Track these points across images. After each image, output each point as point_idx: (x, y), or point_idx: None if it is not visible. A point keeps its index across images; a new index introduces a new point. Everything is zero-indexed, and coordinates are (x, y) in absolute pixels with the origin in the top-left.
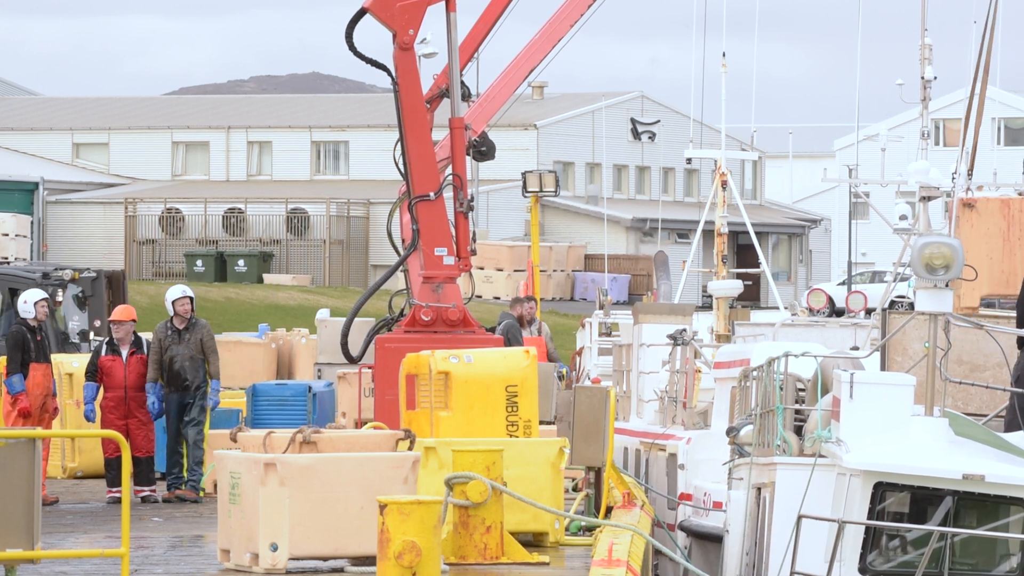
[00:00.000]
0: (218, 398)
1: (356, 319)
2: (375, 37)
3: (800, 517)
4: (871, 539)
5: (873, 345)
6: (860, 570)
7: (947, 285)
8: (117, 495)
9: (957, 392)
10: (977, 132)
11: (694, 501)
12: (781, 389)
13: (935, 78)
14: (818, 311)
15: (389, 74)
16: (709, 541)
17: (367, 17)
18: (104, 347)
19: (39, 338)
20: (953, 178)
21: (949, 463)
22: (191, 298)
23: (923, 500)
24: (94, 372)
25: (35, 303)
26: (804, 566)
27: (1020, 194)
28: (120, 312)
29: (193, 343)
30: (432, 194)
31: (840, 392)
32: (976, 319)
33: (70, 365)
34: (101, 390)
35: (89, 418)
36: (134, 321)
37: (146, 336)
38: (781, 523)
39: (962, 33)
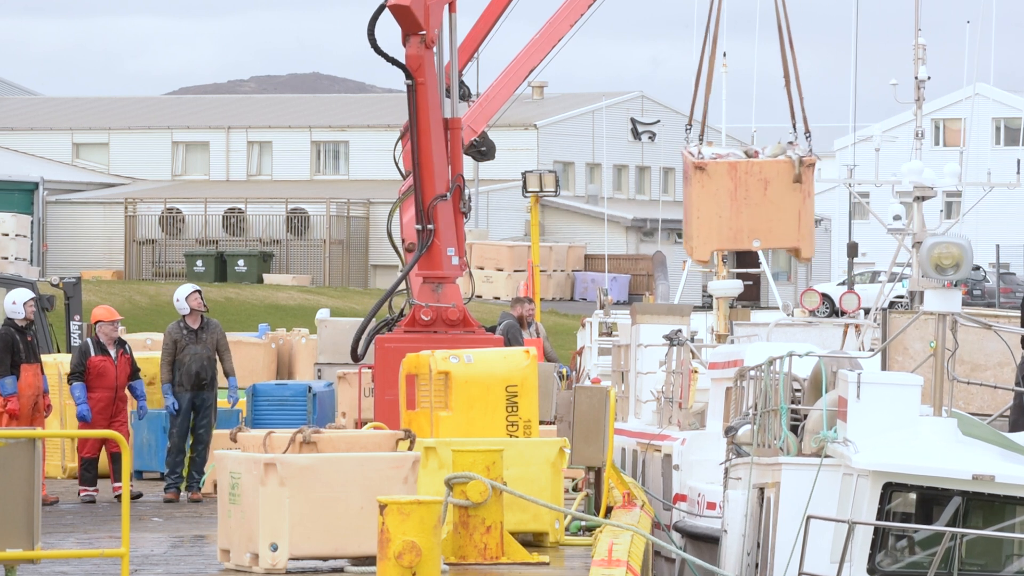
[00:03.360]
0: (238, 394)
1: (355, 319)
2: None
3: (809, 518)
4: (879, 540)
5: (864, 343)
6: (869, 571)
7: (956, 284)
8: (92, 494)
9: (958, 392)
10: (801, 96)
11: (688, 502)
12: (788, 388)
13: (928, 78)
14: (812, 311)
15: (407, 73)
16: (703, 542)
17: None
18: (92, 347)
19: (29, 339)
20: (791, 141)
21: (959, 463)
22: (199, 290)
23: (930, 500)
24: (82, 372)
25: (24, 303)
26: (810, 566)
27: (747, 155)
28: (105, 312)
29: (210, 343)
30: (448, 194)
31: (847, 392)
32: (984, 319)
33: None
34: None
35: (86, 418)
36: (119, 320)
37: (149, 336)
38: (787, 523)
39: (961, 34)
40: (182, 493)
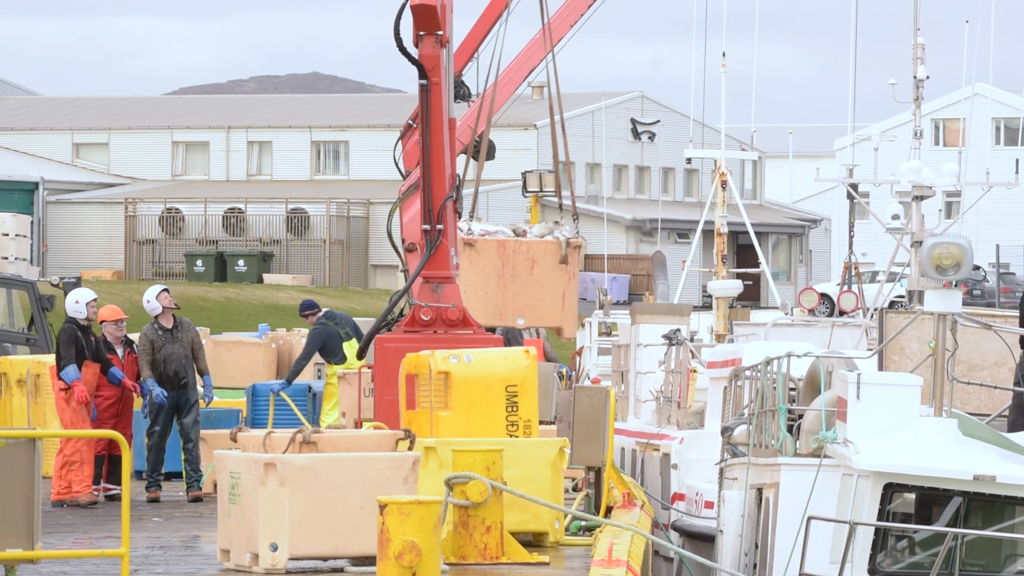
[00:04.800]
0: (213, 393)
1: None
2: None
3: (809, 519)
4: (880, 540)
5: (862, 343)
6: (869, 571)
7: (956, 284)
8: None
9: (955, 391)
10: (571, 179)
11: (687, 501)
12: (784, 389)
13: (927, 77)
14: (811, 311)
15: (423, 72)
16: (702, 541)
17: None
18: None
19: (91, 338)
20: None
21: (959, 464)
22: (167, 289)
23: (930, 501)
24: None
25: (87, 303)
26: (811, 567)
27: (516, 233)
28: (110, 312)
29: (186, 342)
30: (453, 194)
31: (846, 392)
32: (984, 319)
33: None
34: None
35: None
36: (124, 320)
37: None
38: (786, 524)
39: (960, 34)
40: (187, 494)
